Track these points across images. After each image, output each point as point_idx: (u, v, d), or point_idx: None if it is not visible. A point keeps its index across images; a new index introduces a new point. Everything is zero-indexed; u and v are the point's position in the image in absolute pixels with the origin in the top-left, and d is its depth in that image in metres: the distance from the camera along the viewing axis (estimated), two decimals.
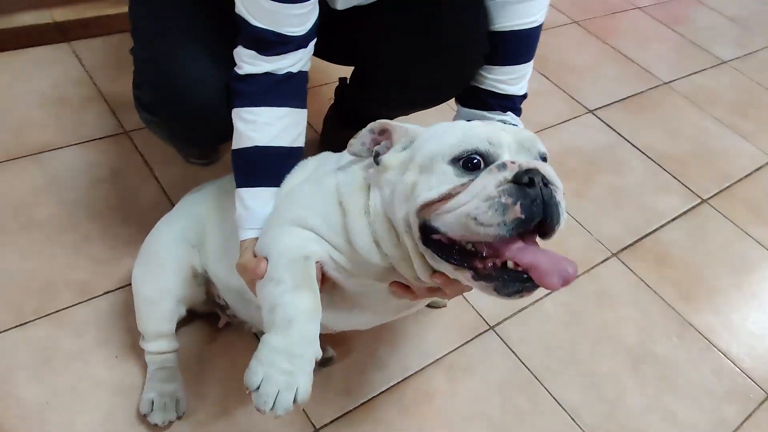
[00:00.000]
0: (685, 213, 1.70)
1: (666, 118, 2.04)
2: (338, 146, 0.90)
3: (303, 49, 0.91)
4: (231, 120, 0.91)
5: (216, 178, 1.12)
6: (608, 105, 2.03)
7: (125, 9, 1.09)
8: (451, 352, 1.24)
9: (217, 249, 0.99)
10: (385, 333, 1.23)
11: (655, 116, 2.04)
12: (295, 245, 0.80)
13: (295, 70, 0.91)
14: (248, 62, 0.89)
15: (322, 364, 1.13)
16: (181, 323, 1.10)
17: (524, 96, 1.07)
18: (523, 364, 1.25)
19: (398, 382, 1.17)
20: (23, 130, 1.44)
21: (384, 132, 0.82)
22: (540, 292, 1.36)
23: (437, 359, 1.22)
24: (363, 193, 0.80)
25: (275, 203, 0.88)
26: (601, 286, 1.45)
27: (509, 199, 0.67)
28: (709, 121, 2.07)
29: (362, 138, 0.83)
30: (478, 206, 0.68)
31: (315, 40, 0.93)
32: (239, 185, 0.90)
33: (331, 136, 1.50)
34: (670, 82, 2.22)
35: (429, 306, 1.30)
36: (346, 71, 1.34)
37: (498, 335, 1.29)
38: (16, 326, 1.09)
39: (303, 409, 1.08)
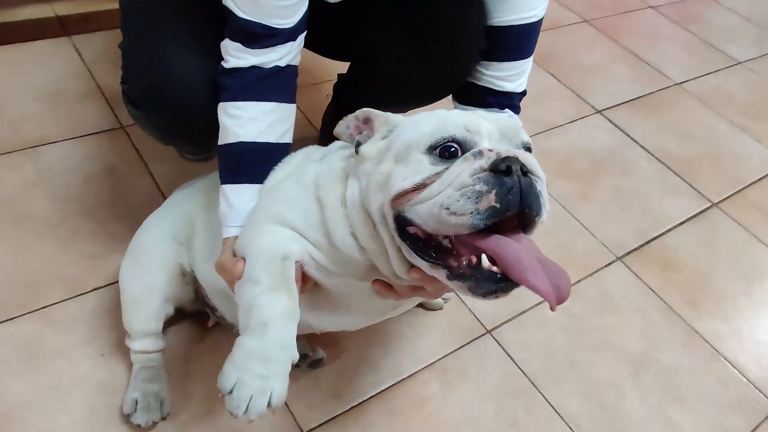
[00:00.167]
0: (693, 217, 1.65)
1: (677, 120, 1.99)
2: None
3: (291, 43, 0.88)
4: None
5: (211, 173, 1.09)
6: (617, 105, 1.99)
7: None
8: (445, 356, 1.21)
9: (203, 247, 0.97)
10: (377, 335, 1.20)
11: (665, 117, 1.99)
12: (273, 244, 0.77)
13: (283, 63, 0.88)
14: (234, 55, 0.86)
15: (311, 365, 1.10)
16: (170, 322, 1.08)
17: (523, 93, 1.04)
18: (520, 369, 1.22)
19: (389, 386, 1.14)
20: (19, 124, 1.43)
21: (367, 121, 0.80)
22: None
23: (431, 363, 1.19)
24: (341, 184, 0.78)
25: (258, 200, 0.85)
26: (605, 290, 1.41)
27: (484, 187, 0.64)
28: (722, 123, 2.01)
29: (347, 122, 0.81)
30: (450, 195, 0.65)
31: (305, 33, 0.91)
32: (224, 182, 0.87)
33: (330, 133, 1.47)
34: (682, 82, 2.16)
35: (424, 308, 1.27)
36: (346, 67, 1.31)
37: (495, 339, 1.26)
38: (2, 321, 1.08)
39: (290, 412, 1.06)
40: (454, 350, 1.22)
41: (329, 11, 1.02)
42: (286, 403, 1.07)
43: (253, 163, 0.87)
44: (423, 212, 0.67)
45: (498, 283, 0.66)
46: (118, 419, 0.99)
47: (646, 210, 1.63)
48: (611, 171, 1.73)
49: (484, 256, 0.67)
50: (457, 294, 1.30)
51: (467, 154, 0.68)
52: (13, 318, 1.09)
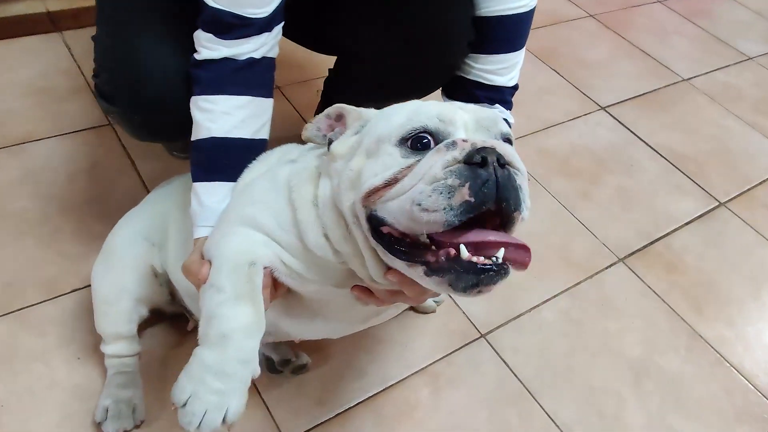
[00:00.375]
0: (700, 217, 1.59)
1: (684, 117, 1.93)
2: None
3: (267, 34, 0.84)
4: None
5: None
6: (622, 102, 1.93)
7: None
8: (436, 361, 1.16)
9: (177, 248, 0.93)
10: (365, 339, 1.15)
11: (672, 114, 1.93)
12: (240, 249, 0.73)
13: (258, 55, 0.84)
14: (206, 46, 0.82)
15: (294, 371, 1.06)
16: (147, 324, 1.04)
17: (515, 88, 0.99)
18: (515, 375, 1.17)
19: (377, 393, 1.09)
20: (4, 121, 1.40)
21: (340, 117, 0.75)
22: (538, 297, 1.31)
23: (421, 368, 1.15)
24: (313, 184, 0.73)
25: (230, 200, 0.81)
26: (605, 293, 1.36)
27: (456, 181, 0.59)
28: (731, 120, 1.95)
29: (318, 123, 0.77)
30: (422, 190, 0.60)
31: (282, 24, 0.87)
32: (195, 179, 0.83)
33: None
34: (689, 78, 2.10)
35: (416, 311, 1.23)
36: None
37: (489, 344, 1.21)
38: None
39: (272, 418, 1.02)
40: (447, 355, 1.18)
41: (310, 2, 0.98)
42: (268, 409, 1.03)
43: (225, 159, 0.83)
44: (394, 209, 0.63)
45: (479, 274, 0.60)
46: (91, 426, 0.96)
47: (650, 209, 1.58)
48: (614, 169, 1.68)
49: (463, 248, 0.61)
50: (450, 297, 1.26)
51: (440, 145, 0.63)
52: None
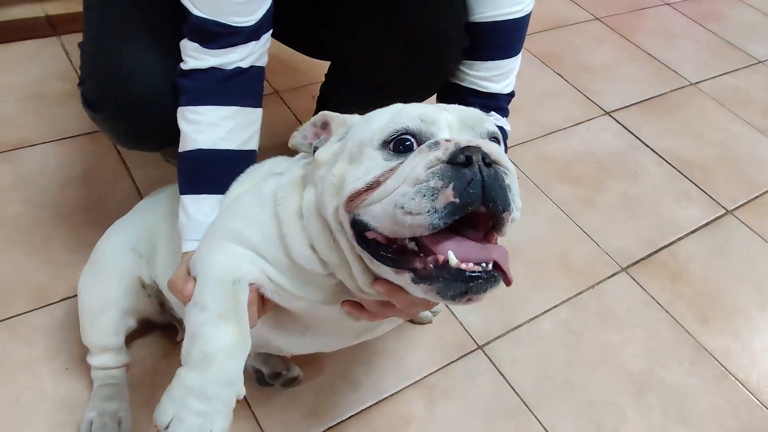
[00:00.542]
0: (706, 225, 1.55)
1: (691, 121, 1.89)
2: None
3: (254, 42, 0.82)
4: None
5: None
6: (627, 107, 1.89)
7: None
8: (432, 373, 1.14)
9: (165, 260, 0.91)
10: (360, 351, 1.13)
11: (678, 119, 1.89)
12: (224, 266, 0.71)
13: (245, 65, 0.82)
14: (193, 56, 0.81)
15: (285, 384, 1.04)
16: (137, 334, 1.03)
17: (511, 95, 0.97)
18: (512, 388, 1.14)
19: (371, 405, 1.07)
20: None
21: (326, 125, 0.74)
22: (538, 308, 1.28)
23: (417, 381, 1.12)
24: (299, 194, 0.72)
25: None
26: (607, 303, 1.33)
27: (440, 182, 0.57)
28: (739, 125, 1.91)
29: (304, 131, 0.75)
30: (405, 192, 0.58)
31: (270, 32, 0.85)
32: (182, 192, 0.82)
33: None
34: (697, 82, 2.06)
35: (412, 322, 1.21)
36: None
37: (486, 355, 1.19)
38: None
39: (262, 431, 1.00)
40: (442, 367, 1.15)
41: (304, 7, 0.96)
42: (258, 423, 1.01)
43: (212, 171, 0.81)
44: (378, 213, 0.61)
45: (468, 282, 0.58)
46: None
47: (654, 217, 1.55)
48: (618, 176, 1.65)
49: (451, 254, 0.59)
50: (447, 307, 1.24)
51: (422, 146, 0.61)
52: None
